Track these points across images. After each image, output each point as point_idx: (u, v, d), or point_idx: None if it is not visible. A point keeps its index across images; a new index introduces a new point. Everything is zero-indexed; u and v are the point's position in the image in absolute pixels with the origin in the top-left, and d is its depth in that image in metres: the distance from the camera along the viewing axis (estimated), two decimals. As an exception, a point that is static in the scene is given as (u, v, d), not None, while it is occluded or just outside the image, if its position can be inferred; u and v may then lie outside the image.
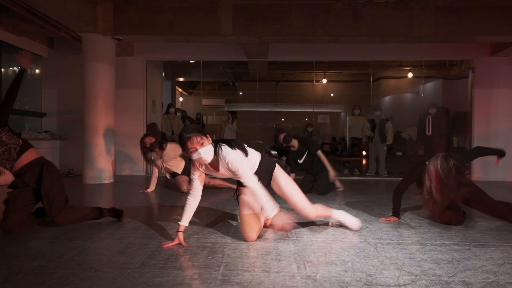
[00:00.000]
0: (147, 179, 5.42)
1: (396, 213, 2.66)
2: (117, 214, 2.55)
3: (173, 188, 4.26)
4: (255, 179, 1.99)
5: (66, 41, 5.75)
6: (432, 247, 2.02)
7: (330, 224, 2.45)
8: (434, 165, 2.29)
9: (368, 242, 2.10)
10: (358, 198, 3.74)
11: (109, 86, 4.95)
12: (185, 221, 2.02)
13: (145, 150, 3.94)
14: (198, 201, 2.05)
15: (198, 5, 4.71)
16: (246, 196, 2.14)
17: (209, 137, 1.96)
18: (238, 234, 2.22)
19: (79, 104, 5.89)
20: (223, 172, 2.04)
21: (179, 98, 10.61)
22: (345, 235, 2.27)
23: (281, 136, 4.01)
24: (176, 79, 9.42)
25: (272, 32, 4.76)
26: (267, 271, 1.63)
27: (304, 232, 2.31)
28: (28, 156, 2.21)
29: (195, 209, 2.06)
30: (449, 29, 4.62)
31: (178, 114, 7.38)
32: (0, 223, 2.17)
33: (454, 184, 2.25)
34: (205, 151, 1.88)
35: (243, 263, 1.73)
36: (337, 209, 2.45)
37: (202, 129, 1.94)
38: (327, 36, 4.78)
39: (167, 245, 1.98)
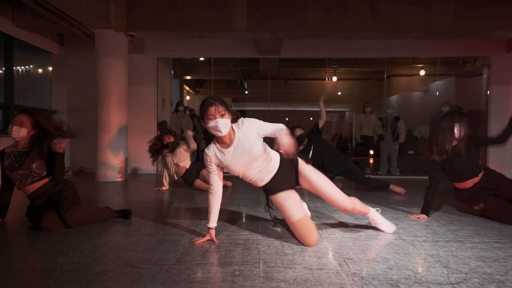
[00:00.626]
0: (158, 177, 5.38)
1: (426, 211, 2.59)
2: (124, 214, 2.51)
3: (184, 186, 4.21)
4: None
5: (76, 38, 5.71)
6: (472, 244, 1.96)
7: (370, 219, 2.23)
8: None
9: (403, 240, 2.04)
10: (376, 196, 3.67)
11: (122, 82, 4.91)
12: (213, 222, 1.96)
13: (158, 146, 3.92)
14: (220, 198, 1.97)
15: (212, 1, 4.66)
16: (286, 200, 1.94)
17: (231, 114, 1.87)
18: (267, 231, 2.17)
19: (90, 101, 5.86)
20: (237, 159, 1.86)
21: (186, 96, 10.56)
22: (377, 232, 2.20)
23: (298, 131, 3.93)
24: (184, 77, 9.38)
25: (287, 28, 4.70)
26: (309, 268, 1.57)
27: (335, 230, 2.25)
28: (37, 184, 2.29)
29: (219, 207, 1.98)
30: (469, 24, 4.55)
31: (187, 112, 7.34)
32: (39, 223, 2.13)
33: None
34: (223, 122, 1.77)
35: (282, 260, 1.67)
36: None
37: (226, 103, 1.86)
38: (344, 32, 4.71)
39: (198, 241, 1.93)
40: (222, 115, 1.78)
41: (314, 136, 3.89)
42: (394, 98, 8.64)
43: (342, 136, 9.41)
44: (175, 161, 3.97)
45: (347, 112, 9.80)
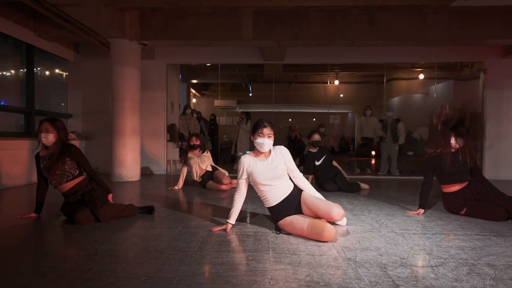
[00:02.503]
0: (169, 177, 5.68)
1: (423, 205, 2.87)
2: (148, 210, 2.79)
3: (197, 185, 4.49)
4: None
5: (90, 45, 6.04)
6: (455, 236, 2.22)
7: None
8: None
9: (395, 232, 2.31)
10: (376, 195, 3.94)
11: (135, 88, 5.21)
12: (232, 219, 2.31)
13: (187, 147, 4.29)
14: (243, 200, 2.35)
15: (221, 11, 4.95)
16: (292, 220, 2.20)
17: (274, 137, 2.33)
18: (274, 225, 2.45)
19: (103, 105, 6.19)
20: (266, 172, 2.26)
21: (192, 99, 10.87)
22: (372, 226, 2.47)
23: (315, 136, 4.21)
24: (191, 81, 9.68)
25: (291, 37, 4.98)
26: (312, 254, 1.85)
27: (335, 225, 2.52)
28: (72, 183, 2.58)
29: (241, 207, 2.35)
30: (462, 32, 4.80)
31: (194, 115, 7.64)
32: (73, 217, 2.43)
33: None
34: (268, 142, 2.26)
35: (288, 248, 1.95)
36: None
37: (273, 127, 2.35)
38: (344, 40, 4.98)
39: (215, 229, 2.28)
40: (269, 137, 2.27)
41: (325, 158, 4.22)
42: (394, 100, 8.88)
43: (344, 138, 9.65)
44: (199, 163, 4.26)
45: (349, 114, 10.05)
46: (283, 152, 2.34)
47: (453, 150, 2.80)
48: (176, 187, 4.26)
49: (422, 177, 2.98)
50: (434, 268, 1.66)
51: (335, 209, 2.18)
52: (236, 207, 2.31)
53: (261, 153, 2.31)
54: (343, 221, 2.48)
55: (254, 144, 2.30)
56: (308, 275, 1.56)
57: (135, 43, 5.11)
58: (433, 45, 5.26)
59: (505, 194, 2.76)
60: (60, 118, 2.74)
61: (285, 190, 2.29)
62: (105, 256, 1.80)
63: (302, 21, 4.94)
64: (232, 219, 2.31)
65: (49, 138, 2.53)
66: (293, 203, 2.29)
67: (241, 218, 2.68)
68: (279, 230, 2.28)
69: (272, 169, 2.25)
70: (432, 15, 4.79)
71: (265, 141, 2.24)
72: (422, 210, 2.88)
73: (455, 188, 2.83)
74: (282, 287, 1.43)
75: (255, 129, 2.29)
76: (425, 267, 1.67)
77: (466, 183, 2.82)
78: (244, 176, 2.30)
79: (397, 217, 2.78)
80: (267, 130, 2.25)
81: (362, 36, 4.94)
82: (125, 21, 4.89)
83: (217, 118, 9.03)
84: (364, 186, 4.37)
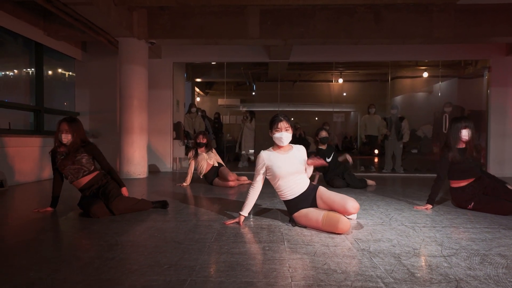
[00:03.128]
0: (175, 175, 5.73)
1: (432, 200, 2.91)
2: (162, 205, 2.86)
3: (205, 182, 4.54)
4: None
5: (98, 44, 6.10)
6: (465, 229, 2.27)
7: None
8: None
9: (405, 226, 2.35)
10: (383, 191, 3.98)
11: (143, 87, 5.27)
12: (245, 211, 2.36)
13: (194, 145, 4.36)
14: (258, 194, 2.39)
15: (227, 10, 5.00)
16: (307, 212, 2.24)
17: (293, 129, 2.44)
18: (286, 219, 2.50)
19: (110, 104, 6.25)
20: (286, 165, 2.30)
21: (196, 98, 10.93)
22: (382, 219, 2.52)
23: (323, 133, 4.28)
24: (195, 80, 9.74)
25: (297, 35, 5.02)
26: (326, 245, 1.90)
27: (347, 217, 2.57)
28: (88, 177, 2.66)
29: (255, 201, 2.40)
30: (468, 30, 4.83)
31: (199, 113, 7.70)
32: (89, 210, 2.49)
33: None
34: (286, 135, 2.31)
35: (302, 240, 2.00)
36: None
37: (291, 120, 2.41)
38: (350, 39, 5.02)
39: (229, 222, 2.34)
40: (286, 130, 2.31)
41: (334, 155, 4.31)
42: (398, 99, 8.92)
43: (347, 136, 9.70)
44: (207, 159, 4.31)
45: (352, 113, 10.09)
46: (302, 150, 2.41)
47: (463, 146, 2.84)
48: (184, 184, 4.31)
49: (426, 175, 3.04)
50: (447, 257, 1.70)
51: (350, 202, 2.21)
52: (250, 200, 2.35)
53: (280, 147, 2.36)
54: (353, 215, 2.53)
55: (274, 139, 2.36)
56: (325, 264, 1.61)
57: (143, 41, 5.16)
58: (439, 43, 5.30)
59: None
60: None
61: (303, 185, 2.34)
62: (126, 246, 1.85)
63: (308, 19, 4.99)
64: (245, 211, 2.35)
65: (68, 137, 2.60)
66: (309, 197, 2.33)
67: (254, 212, 2.73)
68: (294, 222, 2.33)
69: (293, 164, 2.30)
70: (438, 13, 4.82)
71: (283, 134, 2.30)
72: (430, 206, 2.92)
73: (464, 183, 2.87)
74: (301, 274, 1.48)
75: (272, 125, 2.35)
76: (438, 256, 1.72)
77: (475, 178, 2.86)
78: (262, 170, 2.34)
79: (406, 211, 2.83)
80: (283, 124, 2.30)
81: (368, 35, 4.98)
82: (134, 20, 4.95)
83: (221, 116, 9.08)
84: (370, 182, 4.42)
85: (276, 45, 5.41)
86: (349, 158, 4.44)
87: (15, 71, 5.17)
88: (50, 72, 5.83)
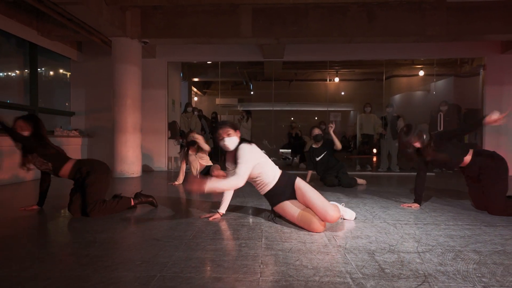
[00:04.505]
0: (170, 174, 5.75)
1: (418, 199, 2.89)
2: (150, 203, 2.81)
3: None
4: (240, 180, 2.14)
5: (93, 44, 6.13)
6: (446, 226, 2.26)
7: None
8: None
9: (387, 223, 2.35)
10: (373, 190, 3.98)
11: (136, 86, 5.29)
12: (223, 209, 2.45)
13: (186, 144, 4.33)
14: (232, 192, 2.48)
15: (220, 9, 5.01)
16: (285, 206, 2.24)
17: (238, 132, 2.33)
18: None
19: (106, 103, 6.28)
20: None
21: (194, 97, 10.96)
22: (366, 217, 2.52)
23: (316, 131, 4.27)
24: (192, 79, 9.76)
25: (290, 34, 5.02)
26: (303, 242, 1.90)
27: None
28: (63, 170, 2.56)
29: (230, 199, 2.48)
30: (461, 28, 4.81)
31: (195, 113, 7.72)
32: (68, 207, 2.50)
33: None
34: (229, 140, 2.28)
35: (281, 236, 2.01)
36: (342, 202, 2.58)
37: (234, 124, 2.34)
38: (343, 37, 5.01)
39: (204, 216, 2.46)
40: (228, 134, 2.27)
41: (327, 151, 4.25)
42: (394, 97, 8.89)
43: (345, 135, 9.68)
44: (199, 160, 4.29)
45: (351, 112, 10.07)
46: (239, 149, 2.25)
47: (421, 147, 2.76)
48: (176, 183, 4.33)
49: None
50: (421, 254, 1.70)
51: (331, 212, 2.11)
52: (226, 200, 2.49)
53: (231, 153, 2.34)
54: (351, 215, 2.43)
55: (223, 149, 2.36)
56: (297, 260, 1.61)
57: (136, 41, 5.18)
58: (432, 41, 5.28)
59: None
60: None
61: (273, 177, 2.30)
62: (103, 243, 1.87)
63: (301, 18, 4.99)
64: (223, 209, 2.46)
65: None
66: (286, 189, 2.30)
67: (238, 209, 2.74)
68: (274, 213, 2.38)
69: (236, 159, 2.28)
70: (431, 11, 4.80)
71: (225, 140, 2.27)
72: (417, 205, 2.89)
73: (459, 166, 2.79)
74: (271, 270, 1.49)
75: (214, 135, 2.37)
76: (412, 253, 1.72)
77: (467, 159, 2.70)
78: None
79: (391, 209, 2.83)
80: (223, 130, 2.27)
81: (361, 33, 4.97)
82: (126, 19, 4.97)
83: (218, 116, 9.09)
84: (360, 181, 4.41)
85: (269, 44, 5.41)
86: (360, 181, 4.38)
87: (9, 71, 5.21)
88: (45, 72, 5.87)
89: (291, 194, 2.30)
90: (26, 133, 2.52)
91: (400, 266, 1.53)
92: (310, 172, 4.41)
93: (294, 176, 2.37)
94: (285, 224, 2.29)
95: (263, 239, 1.95)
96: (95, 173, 2.54)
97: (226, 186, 2.17)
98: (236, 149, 2.27)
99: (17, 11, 4.73)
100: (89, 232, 2.09)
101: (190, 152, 4.35)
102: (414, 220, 2.43)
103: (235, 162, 2.25)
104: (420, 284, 1.34)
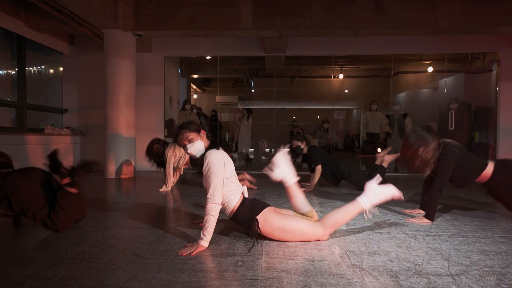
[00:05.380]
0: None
1: (432, 215, 2.34)
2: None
3: (196, 185, 4.27)
4: (217, 202, 1.75)
5: (86, 38, 5.84)
6: (475, 239, 1.96)
7: (366, 218, 2.11)
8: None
9: (406, 234, 2.05)
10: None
11: (130, 81, 4.99)
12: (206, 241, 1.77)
13: (154, 156, 3.78)
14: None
15: (218, 0, 4.70)
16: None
17: (203, 134, 1.93)
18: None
19: (99, 100, 5.98)
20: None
21: (193, 95, 10.66)
22: (380, 227, 2.22)
23: (294, 143, 3.90)
24: (191, 76, 9.46)
25: (293, 26, 4.71)
26: (311, 259, 1.60)
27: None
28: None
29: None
30: (476, 20, 4.49)
31: (194, 110, 7.42)
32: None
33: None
34: (191, 146, 1.89)
35: (284, 252, 1.71)
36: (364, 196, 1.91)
37: (195, 127, 1.91)
38: (349, 29, 4.70)
39: (186, 253, 1.68)
40: (189, 140, 1.89)
41: (314, 163, 3.85)
42: (401, 95, 8.56)
43: (348, 134, 9.36)
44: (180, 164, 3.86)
45: (354, 110, 9.75)
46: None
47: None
48: (164, 189, 3.76)
49: None
50: (455, 277, 1.40)
51: (319, 234, 1.85)
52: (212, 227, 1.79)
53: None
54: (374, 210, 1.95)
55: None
56: (305, 285, 1.31)
57: (130, 33, 4.88)
58: (445, 33, 4.95)
59: None
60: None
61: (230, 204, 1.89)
62: (74, 260, 1.57)
63: (304, 8, 4.67)
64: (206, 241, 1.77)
65: None
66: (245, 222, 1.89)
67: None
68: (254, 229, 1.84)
69: (204, 171, 1.86)
70: (444, 1, 4.48)
71: (187, 147, 1.89)
72: (429, 221, 2.32)
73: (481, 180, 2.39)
74: (274, 301, 1.19)
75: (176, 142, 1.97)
76: (444, 276, 1.42)
77: (488, 173, 2.31)
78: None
79: (407, 216, 2.52)
80: (182, 137, 1.89)
81: (369, 25, 4.65)
82: (119, 10, 4.67)
83: (218, 114, 8.79)
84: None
85: (271, 37, 5.10)
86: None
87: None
88: (34, 67, 5.59)
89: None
90: None
91: (434, 296, 1.23)
92: (313, 175, 4.07)
93: (257, 209, 1.86)
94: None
95: (263, 256, 1.65)
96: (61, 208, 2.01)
97: (212, 221, 1.72)
98: (202, 157, 1.86)
99: (3, 1, 4.43)
100: (62, 245, 1.80)
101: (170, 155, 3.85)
102: (436, 231, 2.12)
103: (200, 173, 1.85)
104: (465, 324, 1.04)
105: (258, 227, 1.83)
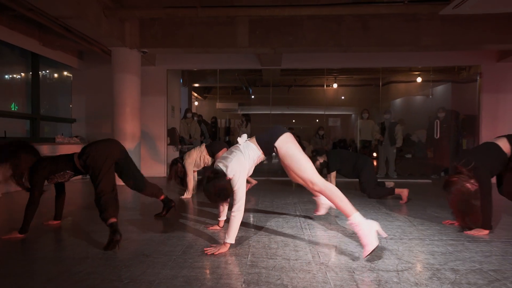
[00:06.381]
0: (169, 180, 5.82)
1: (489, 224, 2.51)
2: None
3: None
4: (242, 207, 2.09)
5: (94, 53, 6.24)
6: (430, 241, 2.32)
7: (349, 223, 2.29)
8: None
9: (373, 237, 2.41)
10: (364, 199, 4.02)
11: (135, 95, 5.38)
12: (223, 215, 2.56)
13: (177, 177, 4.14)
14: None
15: (217, 20, 5.09)
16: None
17: (225, 175, 2.07)
18: (259, 229, 2.57)
19: (106, 110, 6.38)
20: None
21: (194, 102, 11.06)
22: (353, 231, 2.58)
23: (317, 164, 4.19)
24: (192, 85, 9.86)
25: (286, 44, 5.09)
26: (287, 259, 1.97)
27: (318, 227, 2.64)
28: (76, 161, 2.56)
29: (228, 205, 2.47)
30: (455, 38, 4.85)
31: (195, 118, 7.81)
32: None
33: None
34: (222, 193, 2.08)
35: (267, 252, 2.07)
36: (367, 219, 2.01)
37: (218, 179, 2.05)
38: (338, 47, 5.07)
39: (211, 228, 2.58)
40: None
41: (330, 168, 4.27)
42: (392, 103, 8.92)
43: (340, 140, 9.71)
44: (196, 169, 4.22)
45: (350, 116, 10.11)
46: None
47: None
48: (187, 196, 4.10)
49: (420, 180, 2.97)
50: (399, 272, 1.76)
51: (316, 180, 2.12)
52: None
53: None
54: (368, 244, 1.91)
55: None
56: (279, 279, 1.68)
57: (135, 51, 5.28)
58: (427, 50, 5.31)
59: None
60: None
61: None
62: (95, 259, 1.95)
63: (297, 28, 5.05)
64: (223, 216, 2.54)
65: None
66: (266, 147, 2.27)
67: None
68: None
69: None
70: (426, 21, 4.85)
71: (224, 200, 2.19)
72: (487, 231, 2.49)
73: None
74: (252, 290, 1.56)
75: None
76: (391, 271, 1.78)
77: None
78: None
79: (380, 221, 2.88)
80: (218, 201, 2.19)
81: (357, 42, 5.02)
82: (125, 30, 5.07)
83: (218, 120, 9.18)
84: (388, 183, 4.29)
85: (266, 53, 5.48)
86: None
87: (12, 80, 5.33)
88: (47, 81, 5.99)
89: (269, 151, 2.27)
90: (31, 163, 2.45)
91: (377, 286, 1.59)
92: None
93: (282, 130, 2.24)
94: (273, 239, 2.36)
95: (249, 256, 2.02)
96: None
97: (237, 223, 2.09)
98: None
99: (20, 23, 4.84)
100: (82, 247, 2.17)
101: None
102: (400, 235, 2.48)
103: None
104: (392, 306, 1.40)
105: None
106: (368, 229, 1.93)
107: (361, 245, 1.98)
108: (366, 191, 4.01)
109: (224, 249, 2.08)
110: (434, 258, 1.99)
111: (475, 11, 4.02)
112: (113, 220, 2.19)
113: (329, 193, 2.08)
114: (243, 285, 1.60)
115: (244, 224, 2.79)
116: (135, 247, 2.17)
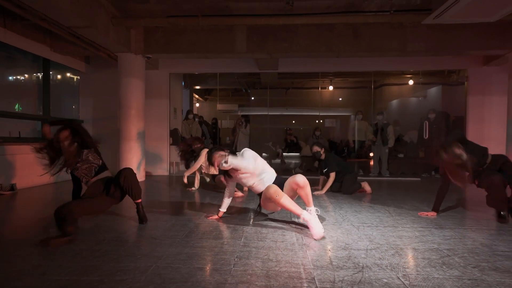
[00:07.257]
0: (172, 178, 6.17)
1: (436, 208, 3.08)
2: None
3: (210, 188, 4.97)
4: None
5: (100, 58, 6.58)
6: (402, 228, 2.64)
7: (297, 220, 2.80)
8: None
9: (353, 225, 2.74)
10: (355, 195, 4.34)
11: (140, 97, 5.73)
12: (224, 207, 2.96)
13: (189, 151, 4.53)
14: (233, 193, 3.00)
15: (217, 28, 5.43)
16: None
17: (226, 152, 2.73)
18: (254, 220, 2.90)
19: (111, 112, 6.73)
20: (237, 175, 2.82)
21: (195, 103, 11.41)
22: (336, 220, 2.91)
23: (315, 148, 4.57)
24: (194, 87, 10.21)
25: (281, 49, 5.43)
26: (275, 241, 2.30)
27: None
28: (100, 176, 2.79)
29: (231, 199, 2.96)
30: (440, 44, 5.17)
31: (196, 119, 8.15)
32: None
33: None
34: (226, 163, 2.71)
35: (258, 236, 2.40)
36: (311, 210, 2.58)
37: (220, 148, 2.79)
38: (330, 52, 5.40)
39: (211, 217, 2.93)
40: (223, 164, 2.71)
41: (329, 169, 4.48)
42: (386, 105, 9.25)
43: (336, 141, 10.02)
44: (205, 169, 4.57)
45: (350, 116, 10.44)
46: None
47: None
48: (193, 188, 4.60)
49: (411, 178, 3.27)
50: (368, 251, 2.09)
51: (298, 176, 2.65)
52: (226, 200, 2.98)
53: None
54: (316, 233, 2.36)
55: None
56: (266, 255, 2.01)
57: (140, 56, 5.63)
58: (413, 56, 5.64)
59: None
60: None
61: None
62: (112, 241, 2.28)
63: (291, 35, 5.39)
64: (224, 208, 2.97)
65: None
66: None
67: (227, 212, 3.14)
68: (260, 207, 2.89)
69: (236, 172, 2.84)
70: (411, 29, 5.18)
71: (223, 165, 2.70)
72: (434, 213, 3.08)
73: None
74: (243, 262, 1.89)
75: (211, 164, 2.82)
76: (361, 250, 2.11)
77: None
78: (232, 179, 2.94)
79: (363, 213, 3.21)
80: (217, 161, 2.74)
81: (348, 49, 5.35)
82: (131, 37, 5.42)
83: (219, 121, 9.52)
84: (367, 188, 4.48)
85: (263, 58, 5.82)
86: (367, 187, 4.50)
87: (24, 83, 5.68)
88: (56, 84, 6.34)
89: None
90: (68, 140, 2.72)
91: (347, 260, 1.92)
92: (322, 178, 4.67)
93: (281, 179, 2.86)
94: (264, 226, 2.69)
95: (242, 238, 2.35)
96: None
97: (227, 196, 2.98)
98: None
99: (33, 31, 5.19)
100: (100, 232, 2.51)
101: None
102: (377, 223, 2.81)
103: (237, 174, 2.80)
104: (356, 273, 1.73)
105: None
106: (316, 221, 2.43)
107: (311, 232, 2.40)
108: (345, 192, 4.35)
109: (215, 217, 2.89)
110: (401, 240, 2.31)
111: (455, 20, 4.34)
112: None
113: (283, 203, 2.55)
114: (236, 259, 1.93)
115: (239, 213, 3.13)
116: (144, 232, 2.51)
